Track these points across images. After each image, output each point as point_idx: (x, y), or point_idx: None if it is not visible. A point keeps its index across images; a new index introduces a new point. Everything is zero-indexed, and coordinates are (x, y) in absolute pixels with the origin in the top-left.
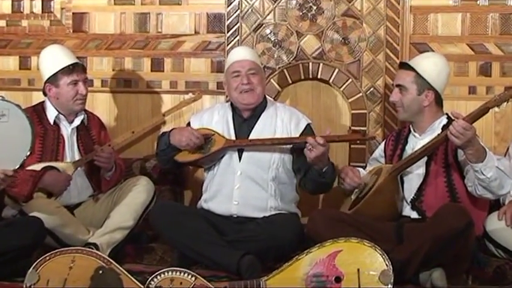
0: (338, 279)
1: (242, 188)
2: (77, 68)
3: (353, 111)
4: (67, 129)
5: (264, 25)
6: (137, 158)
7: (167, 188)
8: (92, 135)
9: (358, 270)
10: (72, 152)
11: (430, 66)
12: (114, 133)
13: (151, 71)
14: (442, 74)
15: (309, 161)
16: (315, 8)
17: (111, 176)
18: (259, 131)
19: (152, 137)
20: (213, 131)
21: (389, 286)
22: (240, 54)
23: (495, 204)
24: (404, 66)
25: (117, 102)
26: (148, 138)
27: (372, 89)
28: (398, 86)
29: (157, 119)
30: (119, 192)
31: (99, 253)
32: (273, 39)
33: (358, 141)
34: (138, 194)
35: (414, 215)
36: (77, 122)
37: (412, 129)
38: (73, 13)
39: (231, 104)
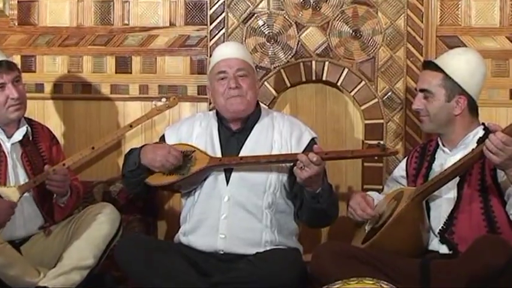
0: None
1: (230, 217)
2: (0, 69)
3: (367, 121)
4: (6, 146)
5: (255, 15)
6: (99, 180)
7: (136, 218)
8: (41, 151)
9: None
10: (15, 173)
11: (462, 65)
12: (70, 149)
13: (116, 72)
14: (476, 74)
15: (299, 182)
16: None
17: (66, 203)
18: (251, 147)
19: (117, 154)
20: (194, 147)
21: None
22: (226, 52)
23: None
24: (430, 65)
25: (74, 111)
26: (113, 155)
27: (389, 93)
28: (422, 90)
29: (123, 131)
30: (76, 223)
31: None
32: (267, 33)
33: (375, 158)
34: (99, 225)
35: (443, 249)
36: (18, 135)
37: (440, 143)
38: (18, 1)
39: (217, 114)
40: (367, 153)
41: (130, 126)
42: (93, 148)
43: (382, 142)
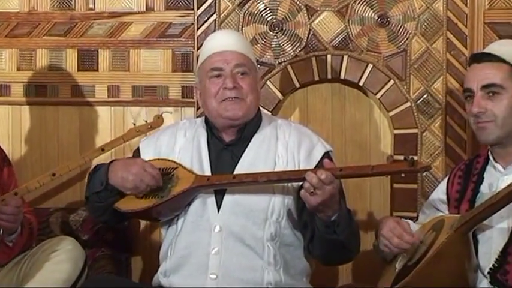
0: None
1: (223, 252)
2: None
3: (396, 131)
4: None
5: None
6: (56, 207)
7: (105, 255)
8: None
9: None
10: None
11: None
12: (20, 169)
13: (79, 70)
14: None
15: (309, 208)
16: None
17: (15, 241)
18: (249, 163)
19: (80, 173)
20: (176, 163)
21: None
22: (222, 42)
23: None
24: (488, 57)
25: (25, 119)
26: (74, 175)
27: (425, 95)
28: (487, 86)
29: (93, 155)
30: (29, 262)
31: None
32: (269, 19)
33: (402, 175)
34: (58, 264)
35: None
36: None
37: (491, 159)
38: None
39: (206, 121)
40: (391, 169)
41: (102, 149)
42: (53, 175)
43: (411, 156)
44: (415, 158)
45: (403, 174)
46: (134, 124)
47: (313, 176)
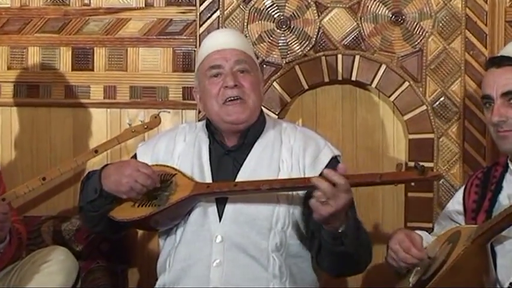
0: None
1: (225, 264)
2: None
3: (411, 136)
4: None
5: None
6: (49, 215)
7: (100, 267)
8: None
9: None
10: None
11: None
12: (10, 174)
13: (73, 69)
14: None
15: (317, 219)
16: None
17: (3, 251)
18: (252, 170)
19: (73, 179)
20: (175, 169)
21: None
22: (220, 40)
23: None
24: (506, 61)
25: (15, 121)
26: (67, 181)
27: (442, 98)
28: (507, 94)
29: (86, 158)
30: (19, 274)
31: None
32: (276, 16)
33: (412, 184)
34: (49, 276)
35: None
36: None
37: (510, 167)
38: None
39: (207, 125)
40: (400, 178)
41: (96, 151)
42: (43, 179)
43: (421, 164)
44: (430, 165)
45: (413, 183)
46: (130, 124)
47: (325, 183)
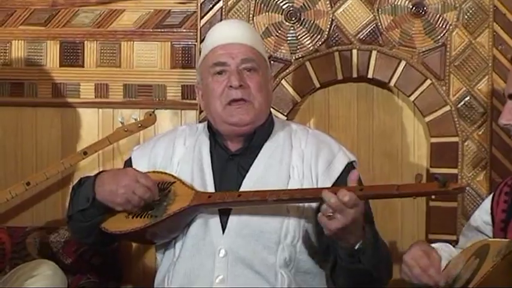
0: None
1: (229, 280)
2: None
3: (433, 140)
4: None
5: None
6: (34, 226)
7: (91, 282)
8: None
9: None
10: None
11: None
12: None
13: (62, 65)
14: None
15: (328, 235)
16: None
17: None
18: (258, 176)
19: (61, 186)
20: (174, 176)
21: None
22: (227, 33)
23: None
24: None
25: None
26: (54, 188)
27: (468, 98)
28: None
29: (74, 161)
30: None
31: None
32: (285, 8)
33: (432, 197)
34: None
35: None
36: None
37: None
38: None
39: (209, 127)
40: (419, 190)
41: (85, 153)
42: (28, 184)
43: (442, 176)
44: (454, 171)
45: (433, 196)
46: (122, 123)
47: (332, 197)
